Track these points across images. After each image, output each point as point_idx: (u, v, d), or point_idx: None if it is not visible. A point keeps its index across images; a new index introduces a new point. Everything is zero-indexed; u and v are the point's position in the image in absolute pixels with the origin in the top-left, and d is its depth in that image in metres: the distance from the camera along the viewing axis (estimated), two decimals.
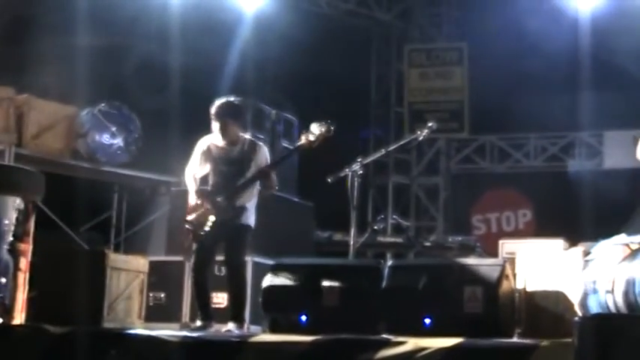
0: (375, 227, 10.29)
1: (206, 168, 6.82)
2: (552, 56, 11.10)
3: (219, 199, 6.63)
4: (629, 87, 10.78)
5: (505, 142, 12.93)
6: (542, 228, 11.33)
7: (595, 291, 5.47)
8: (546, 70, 11.15)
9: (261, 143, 6.96)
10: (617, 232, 5.88)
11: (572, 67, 11.03)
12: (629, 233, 5.76)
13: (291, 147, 8.58)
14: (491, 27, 11.90)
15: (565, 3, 11.02)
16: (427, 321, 5.71)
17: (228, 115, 6.70)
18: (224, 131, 6.68)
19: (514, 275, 6.19)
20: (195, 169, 6.84)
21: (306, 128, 6.74)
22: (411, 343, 4.87)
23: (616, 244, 5.59)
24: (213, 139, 6.78)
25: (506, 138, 12.91)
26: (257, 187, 6.79)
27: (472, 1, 12.32)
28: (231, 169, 6.70)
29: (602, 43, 10.62)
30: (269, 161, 6.82)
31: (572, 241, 7.31)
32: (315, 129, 6.63)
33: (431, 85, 12.92)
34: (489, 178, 12.88)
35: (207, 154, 6.79)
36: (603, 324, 3.47)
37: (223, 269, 7.04)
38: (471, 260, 6.98)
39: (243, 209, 6.64)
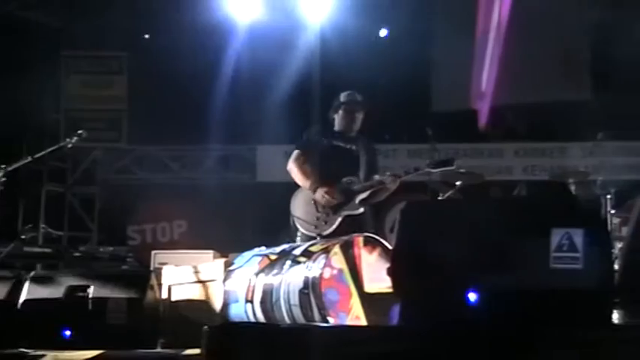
0: (23, 237, 9.85)
1: None
2: (209, 71, 11.34)
3: None
4: (281, 105, 11.22)
5: (163, 154, 12.94)
6: (197, 239, 11.42)
7: (236, 300, 5.63)
8: (206, 84, 11.36)
9: None
10: (269, 243, 6.09)
11: (231, 81, 11.34)
12: (268, 245, 5.98)
13: None
14: (156, 38, 11.92)
15: (223, 17, 11.23)
16: (67, 333, 5.56)
17: None
18: None
19: (159, 286, 6.22)
20: None
21: None
22: (50, 357, 4.73)
23: (256, 255, 5.79)
24: None
25: (164, 149, 12.93)
26: None
27: (137, 12, 12.21)
28: None
29: (255, 56, 10.97)
30: None
31: (225, 252, 7.44)
32: None
33: (91, 93, 12.63)
34: (147, 189, 12.79)
35: None
36: (229, 332, 3.55)
37: None
38: (115, 271, 6.92)
39: None
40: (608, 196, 8.01)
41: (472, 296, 3.32)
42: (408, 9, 11.32)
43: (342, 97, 6.65)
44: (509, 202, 4.45)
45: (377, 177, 6.47)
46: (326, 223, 6.28)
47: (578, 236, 3.30)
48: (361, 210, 6.36)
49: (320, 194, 6.31)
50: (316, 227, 6.30)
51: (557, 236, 3.32)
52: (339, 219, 6.29)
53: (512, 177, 11.94)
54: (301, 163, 6.54)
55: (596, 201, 3.56)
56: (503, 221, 3.47)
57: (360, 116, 6.61)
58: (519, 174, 11.92)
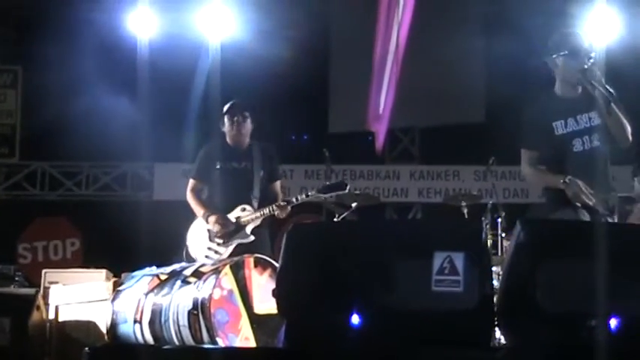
0: None
1: None
2: (107, 87, 11.18)
3: None
4: (179, 123, 11.14)
5: (57, 170, 12.68)
6: (90, 257, 11.25)
7: (125, 321, 5.54)
8: (103, 100, 11.19)
9: None
10: (164, 263, 6.01)
11: (130, 98, 11.19)
12: (163, 265, 5.91)
13: None
14: (52, 52, 11.69)
15: (123, 33, 11.11)
16: None
17: None
18: None
19: (46, 305, 6.09)
20: None
21: None
22: None
23: (146, 275, 5.72)
24: None
25: (58, 165, 12.68)
26: None
27: (32, 25, 11.96)
28: None
29: (153, 73, 10.87)
30: None
31: (118, 272, 7.33)
32: None
33: None
34: (39, 206, 12.53)
35: None
36: (111, 353, 3.50)
37: None
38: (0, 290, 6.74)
39: None
40: (499, 220, 8.20)
41: (355, 318, 3.35)
42: (307, 30, 11.41)
43: (226, 108, 6.53)
44: (394, 224, 4.52)
45: (278, 185, 6.48)
46: (217, 252, 6.22)
47: (459, 259, 3.37)
48: (252, 238, 6.30)
49: (212, 223, 6.25)
50: (207, 257, 6.23)
51: (439, 259, 3.38)
52: (231, 248, 6.25)
53: (408, 199, 12.12)
54: (197, 193, 6.46)
55: (477, 224, 3.66)
56: (388, 243, 3.51)
57: (247, 126, 6.48)
58: (415, 196, 12.11)
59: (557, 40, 5.08)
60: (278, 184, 6.58)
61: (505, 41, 11.66)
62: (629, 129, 4.92)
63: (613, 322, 3.38)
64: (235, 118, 6.44)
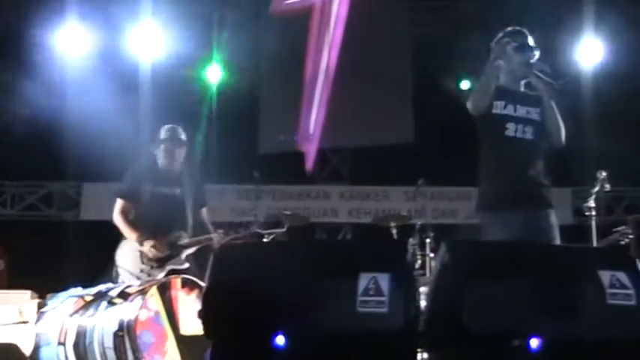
0: None
1: None
2: (34, 106, 11.00)
3: None
4: (108, 142, 11.02)
5: None
6: (16, 279, 11.03)
7: (48, 343, 5.44)
8: (31, 119, 11.01)
9: None
10: (91, 284, 5.92)
11: (57, 117, 11.04)
12: (91, 286, 5.83)
13: None
14: None
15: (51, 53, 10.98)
16: None
17: None
18: None
19: None
20: None
21: None
22: None
23: (72, 296, 5.63)
24: None
25: None
26: None
27: None
28: None
29: (82, 91, 10.75)
30: None
31: (45, 292, 7.19)
32: None
33: None
34: None
35: None
36: None
37: None
38: None
39: None
40: (428, 240, 8.28)
41: (280, 339, 3.34)
42: (239, 51, 11.41)
43: (163, 132, 6.49)
44: (320, 245, 4.52)
45: (204, 212, 6.46)
46: (149, 275, 6.14)
47: (384, 280, 3.39)
48: (186, 265, 6.26)
49: (147, 247, 6.16)
50: (139, 279, 6.15)
51: (364, 280, 3.39)
52: (164, 272, 6.18)
53: (338, 219, 12.18)
54: (126, 214, 6.36)
55: (403, 245, 3.69)
56: (314, 264, 3.51)
57: (181, 152, 6.48)
58: (345, 217, 12.17)
59: (509, 33, 5.24)
60: (205, 210, 6.56)
61: (434, 63, 11.86)
62: (563, 130, 5.11)
63: (535, 342, 3.43)
64: (172, 146, 6.43)
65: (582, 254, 4.00)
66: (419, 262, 8.15)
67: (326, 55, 11.34)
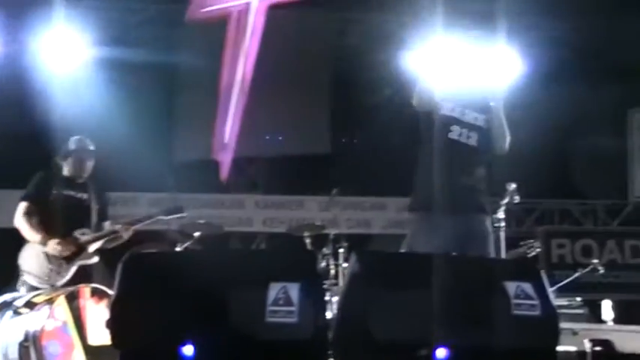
0: None
1: None
2: None
3: None
4: (14, 149, 10.77)
5: None
6: None
7: None
8: None
9: None
10: None
11: None
12: None
13: None
14: None
15: None
16: None
17: None
18: None
19: None
20: None
21: None
22: None
23: None
24: None
25: None
26: None
27: None
28: None
29: None
30: None
31: None
32: None
33: None
34: None
35: None
36: None
37: None
38: None
39: None
40: (341, 250, 8.32)
41: (189, 349, 3.31)
42: (154, 58, 11.29)
43: (72, 143, 6.45)
44: (231, 254, 4.52)
45: (108, 224, 6.39)
46: (59, 274, 6.04)
47: (294, 290, 3.40)
48: (96, 259, 6.21)
49: (52, 246, 6.06)
50: (49, 279, 6.03)
51: (274, 290, 3.40)
52: (74, 268, 6.09)
53: (252, 229, 12.15)
54: (30, 217, 6.24)
55: (313, 255, 3.71)
56: (224, 273, 3.50)
57: (90, 163, 6.44)
58: (259, 226, 12.15)
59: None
60: (107, 224, 6.50)
61: (352, 74, 11.95)
62: (508, 138, 5.16)
63: (442, 352, 3.48)
64: (81, 156, 6.41)
65: (489, 265, 4.09)
66: (332, 271, 8.18)
67: (242, 65, 11.28)
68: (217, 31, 11.31)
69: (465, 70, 5.28)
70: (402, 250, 6.09)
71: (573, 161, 13.25)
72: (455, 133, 5.12)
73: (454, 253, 4.83)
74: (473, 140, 5.14)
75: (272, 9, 10.84)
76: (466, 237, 5.00)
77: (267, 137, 11.88)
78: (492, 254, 5.20)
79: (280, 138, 12.01)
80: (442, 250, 4.75)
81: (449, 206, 4.95)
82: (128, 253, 3.72)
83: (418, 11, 9.23)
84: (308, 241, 8.66)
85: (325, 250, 8.30)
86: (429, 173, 5.08)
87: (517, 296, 3.67)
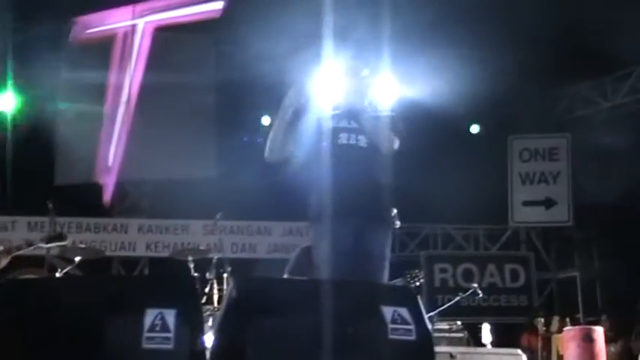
0: None
1: None
2: None
3: None
4: None
5: None
6: None
7: None
8: None
9: None
10: None
11: None
12: None
13: None
14: None
15: None
16: None
17: None
18: None
19: None
20: None
21: None
22: None
23: None
24: None
25: None
26: None
27: None
28: None
29: None
30: None
31: None
32: None
33: None
34: None
35: None
36: None
37: None
38: None
39: None
40: (225, 275, 8.28)
41: None
42: (37, 79, 11.07)
43: None
44: (106, 280, 4.43)
45: None
46: None
47: (170, 316, 3.36)
48: None
49: None
50: None
51: (150, 316, 3.35)
52: None
53: (136, 253, 11.98)
54: None
55: (191, 280, 3.68)
56: (99, 300, 3.43)
57: None
58: (142, 250, 11.99)
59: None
60: None
61: (237, 100, 11.96)
62: (397, 142, 5.21)
63: None
64: None
65: (367, 290, 4.13)
66: (216, 296, 8.12)
67: (127, 87, 11.15)
68: (103, 52, 11.17)
69: (348, 87, 5.35)
70: (285, 276, 6.13)
71: (456, 187, 13.57)
72: (343, 138, 5.21)
73: (350, 262, 4.87)
74: (362, 143, 5.23)
75: (158, 31, 10.77)
76: (368, 242, 5.05)
77: (152, 160, 11.71)
78: (388, 256, 5.24)
79: (165, 161, 11.87)
80: (343, 255, 4.82)
81: (345, 207, 4.99)
82: (4, 280, 3.62)
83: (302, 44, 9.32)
84: (191, 265, 8.58)
85: (209, 275, 8.24)
86: (321, 182, 5.14)
87: (394, 321, 3.72)
